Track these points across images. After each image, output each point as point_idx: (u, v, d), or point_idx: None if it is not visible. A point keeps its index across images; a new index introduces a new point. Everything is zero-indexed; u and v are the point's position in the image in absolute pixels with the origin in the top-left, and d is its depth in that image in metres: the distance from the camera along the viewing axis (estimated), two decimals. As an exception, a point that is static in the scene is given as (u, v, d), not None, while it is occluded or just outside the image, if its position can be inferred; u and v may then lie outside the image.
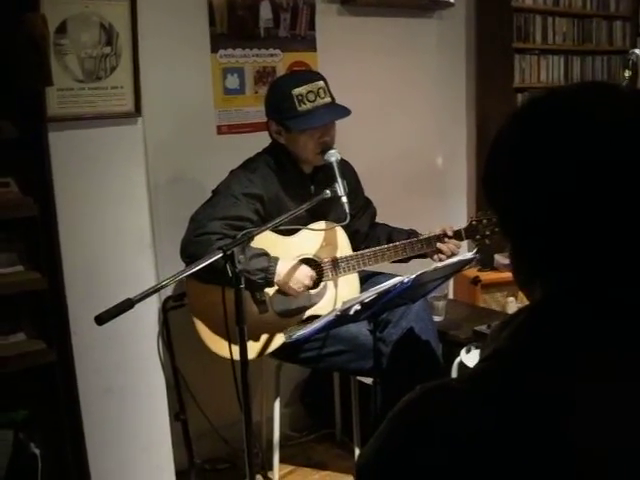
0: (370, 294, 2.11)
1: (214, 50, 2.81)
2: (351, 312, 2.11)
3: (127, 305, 1.62)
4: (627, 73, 3.05)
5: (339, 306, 2.34)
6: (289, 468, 2.90)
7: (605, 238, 0.72)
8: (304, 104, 2.38)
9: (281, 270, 2.32)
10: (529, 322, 0.77)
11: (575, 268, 0.75)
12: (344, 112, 2.42)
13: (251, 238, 1.96)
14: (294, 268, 2.36)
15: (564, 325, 0.73)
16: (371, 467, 0.75)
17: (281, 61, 2.98)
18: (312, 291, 2.47)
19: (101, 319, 1.59)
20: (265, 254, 2.33)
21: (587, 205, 0.71)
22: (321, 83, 2.42)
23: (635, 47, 3.80)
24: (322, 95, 2.40)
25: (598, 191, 0.71)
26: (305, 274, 2.38)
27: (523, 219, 0.77)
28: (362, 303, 2.10)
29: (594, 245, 0.72)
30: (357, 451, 2.69)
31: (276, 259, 2.33)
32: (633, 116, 0.73)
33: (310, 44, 3.05)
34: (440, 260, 2.55)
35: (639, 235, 0.71)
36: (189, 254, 2.29)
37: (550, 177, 0.73)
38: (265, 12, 2.91)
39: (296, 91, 2.37)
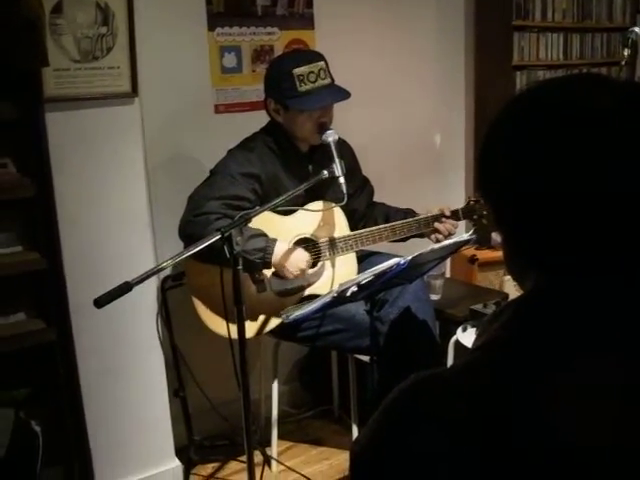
0: (367, 275, 2.12)
1: (211, 28, 2.79)
2: (348, 293, 2.12)
3: (125, 288, 1.63)
4: (626, 52, 3.03)
5: (336, 286, 2.35)
6: (287, 444, 2.94)
7: (598, 230, 0.72)
8: (304, 84, 2.37)
9: (279, 252, 2.33)
10: (520, 313, 0.78)
11: (566, 261, 0.76)
12: (344, 94, 2.42)
13: (249, 220, 1.97)
14: (291, 251, 2.37)
15: (555, 316, 0.74)
16: (365, 455, 0.77)
17: (279, 39, 2.96)
18: (310, 270, 2.49)
19: (99, 302, 1.60)
20: (263, 234, 2.34)
21: (581, 197, 0.72)
22: (322, 64, 2.42)
23: (635, 25, 3.77)
24: (322, 76, 2.40)
25: (591, 183, 0.71)
26: (302, 258, 2.39)
27: (516, 212, 0.78)
28: (359, 284, 2.11)
29: (587, 238, 0.73)
30: (354, 427, 2.72)
31: (274, 240, 2.34)
32: (625, 107, 0.74)
33: (308, 22, 3.03)
34: (437, 240, 2.57)
35: (633, 228, 0.72)
36: (187, 234, 2.30)
37: (544, 170, 0.73)
38: (262, -10, 2.89)
39: (297, 71, 2.37)
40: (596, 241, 0.73)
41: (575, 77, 0.81)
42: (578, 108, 0.74)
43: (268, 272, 2.43)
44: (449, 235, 2.58)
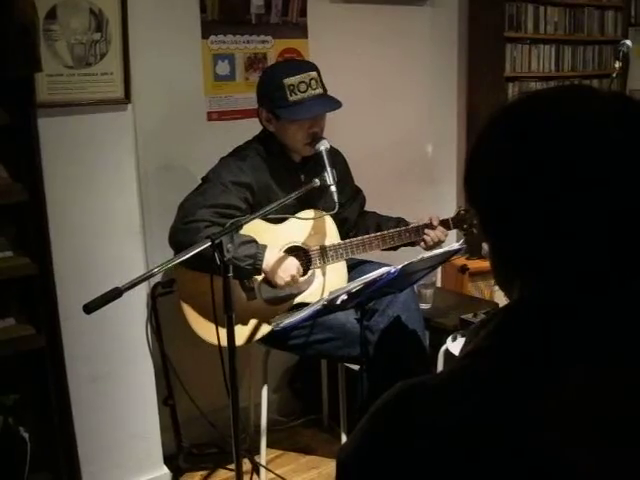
0: (356, 284, 2.13)
1: (205, 36, 2.80)
2: (338, 302, 2.13)
3: (115, 294, 1.63)
4: (617, 64, 3.06)
5: (327, 294, 2.36)
6: (276, 452, 2.93)
7: (583, 242, 0.73)
8: (295, 94, 2.38)
9: (269, 259, 2.34)
10: (506, 322, 0.78)
11: (552, 270, 0.76)
12: (335, 104, 2.43)
13: (240, 227, 1.97)
14: (282, 259, 2.38)
15: (539, 326, 0.75)
16: (351, 462, 0.77)
17: (272, 48, 2.97)
18: (300, 279, 2.49)
19: (89, 308, 1.60)
20: (254, 241, 2.34)
21: (567, 208, 0.72)
22: (313, 74, 2.42)
23: (626, 37, 3.80)
24: (314, 86, 2.41)
25: (574, 193, 0.72)
26: (292, 264, 2.39)
27: (503, 221, 0.78)
28: (349, 293, 2.12)
29: (571, 248, 0.74)
30: (344, 436, 2.72)
31: (264, 246, 2.34)
32: (611, 118, 0.74)
33: (301, 31, 3.04)
34: (427, 246, 2.58)
35: (615, 240, 0.73)
36: (177, 241, 2.30)
37: (529, 180, 0.74)
38: (257, -2, 2.91)
39: (287, 81, 2.38)
40: (579, 252, 0.74)
41: (562, 89, 0.82)
42: (564, 120, 0.74)
43: (259, 278, 2.43)
44: (439, 242, 2.59)
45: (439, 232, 2.60)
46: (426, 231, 2.59)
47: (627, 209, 0.72)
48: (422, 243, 2.61)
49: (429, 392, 0.76)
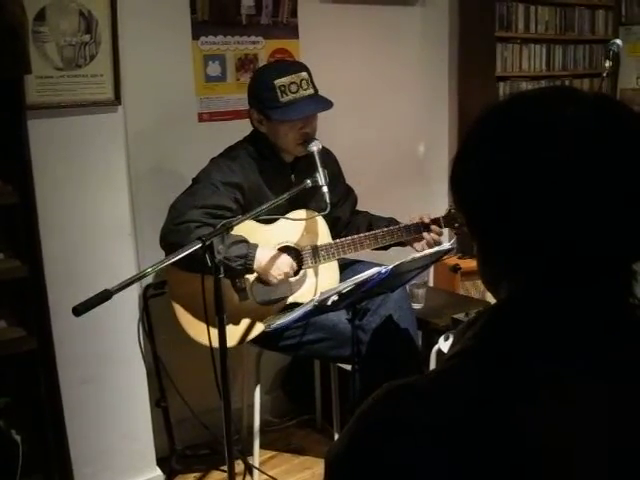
0: (348, 285, 2.13)
1: (195, 37, 2.80)
2: (329, 302, 2.13)
3: (105, 296, 1.62)
4: (608, 63, 3.07)
5: (319, 294, 2.36)
6: (270, 453, 2.93)
7: (567, 240, 0.73)
8: (286, 95, 2.38)
9: (260, 257, 2.33)
10: (493, 322, 0.79)
11: (539, 270, 0.76)
12: (326, 104, 2.43)
13: (230, 228, 1.97)
14: (275, 256, 2.37)
15: (526, 325, 0.75)
16: (338, 464, 0.77)
17: (263, 48, 2.97)
18: (292, 279, 2.49)
19: (78, 310, 1.60)
20: (244, 241, 2.34)
21: (552, 209, 0.73)
22: (304, 74, 2.42)
23: (617, 37, 3.82)
24: (305, 87, 2.41)
25: (558, 193, 0.72)
26: (285, 262, 2.39)
27: (488, 222, 0.79)
28: (340, 293, 2.12)
29: (557, 247, 0.74)
30: (337, 436, 2.72)
31: (255, 246, 2.34)
32: (592, 119, 0.75)
33: (292, 31, 3.04)
34: (423, 249, 2.57)
35: (599, 239, 0.73)
36: (168, 242, 2.30)
37: (513, 182, 0.74)
38: (247, -1, 2.90)
39: (278, 82, 2.38)
40: (564, 253, 0.74)
41: (547, 90, 0.82)
42: (547, 121, 0.75)
43: (251, 278, 2.43)
44: (435, 244, 2.59)
45: (434, 234, 2.60)
46: (424, 234, 2.59)
47: (611, 209, 0.72)
48: (418, 246, 2.61)
49: (415, 393, 0.76)
